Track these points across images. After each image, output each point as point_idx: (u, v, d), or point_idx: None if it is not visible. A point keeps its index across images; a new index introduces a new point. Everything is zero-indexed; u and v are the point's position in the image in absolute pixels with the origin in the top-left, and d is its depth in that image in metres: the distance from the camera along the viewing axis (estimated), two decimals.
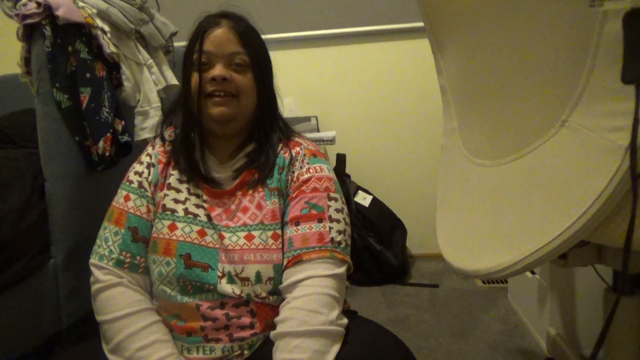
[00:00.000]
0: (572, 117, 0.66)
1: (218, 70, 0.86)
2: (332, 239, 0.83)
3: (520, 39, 0.74)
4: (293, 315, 0.75)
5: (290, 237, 0.84)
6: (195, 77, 0.87)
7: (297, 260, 0.81)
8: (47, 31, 1.21)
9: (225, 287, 0.82)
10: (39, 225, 1.24)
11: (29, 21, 1.21)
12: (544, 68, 0.70)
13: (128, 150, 1.40)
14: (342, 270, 0.82)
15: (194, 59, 0.88)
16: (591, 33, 0.60)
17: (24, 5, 1.22)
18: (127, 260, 0.88)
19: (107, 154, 1.32)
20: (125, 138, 1.38)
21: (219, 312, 0.82)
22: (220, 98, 0.86)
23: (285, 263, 0.84)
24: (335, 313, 0.77)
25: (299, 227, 0.84)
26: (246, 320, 0.83)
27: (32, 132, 1.30)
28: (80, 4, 1.31)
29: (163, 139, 0.98)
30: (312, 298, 0.77)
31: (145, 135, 1.47)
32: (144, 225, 0.90)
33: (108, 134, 1.32)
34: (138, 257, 0.89)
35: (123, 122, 1.39)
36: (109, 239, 0.89)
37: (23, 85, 1.37)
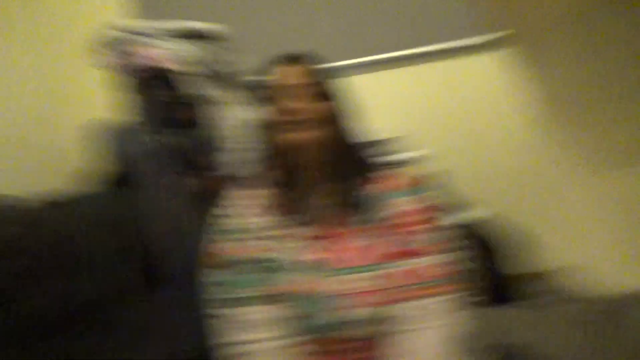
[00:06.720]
0: None
1: (294, 100, 0.87)
2: (437, 273, 0.84)
3: None
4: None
5: (394, 272, 0.85)
6: (269, 110, 0.89)
7: (406, 297, 0.83)
8: (154, 81, 1.34)
9: (332, 332, 0.85)
10: None
11: (137, 74, 1.35)
12: None
13: (213, 187, 1.41)
14: (455, 303, 0.83)
15: (269, 93, 0.90)
16: None
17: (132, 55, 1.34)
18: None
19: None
20: (210, 174, 1.43)
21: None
22: (296, 124, 0.86)
23: (389, 299, 0.84)
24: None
25: (401, 263, 0.85)
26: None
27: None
28: (173, 52, 1.42)
29: (244, 185, 1.00)
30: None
31: (227, 171, 1.51)
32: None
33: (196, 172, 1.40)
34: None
35: (207, 159, 1.46)
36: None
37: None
